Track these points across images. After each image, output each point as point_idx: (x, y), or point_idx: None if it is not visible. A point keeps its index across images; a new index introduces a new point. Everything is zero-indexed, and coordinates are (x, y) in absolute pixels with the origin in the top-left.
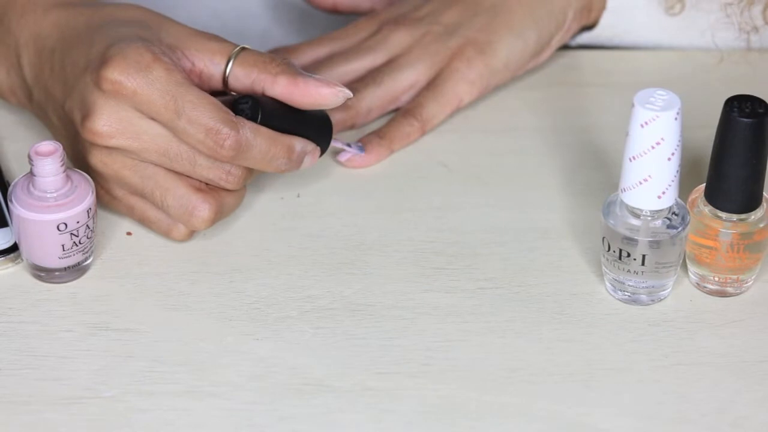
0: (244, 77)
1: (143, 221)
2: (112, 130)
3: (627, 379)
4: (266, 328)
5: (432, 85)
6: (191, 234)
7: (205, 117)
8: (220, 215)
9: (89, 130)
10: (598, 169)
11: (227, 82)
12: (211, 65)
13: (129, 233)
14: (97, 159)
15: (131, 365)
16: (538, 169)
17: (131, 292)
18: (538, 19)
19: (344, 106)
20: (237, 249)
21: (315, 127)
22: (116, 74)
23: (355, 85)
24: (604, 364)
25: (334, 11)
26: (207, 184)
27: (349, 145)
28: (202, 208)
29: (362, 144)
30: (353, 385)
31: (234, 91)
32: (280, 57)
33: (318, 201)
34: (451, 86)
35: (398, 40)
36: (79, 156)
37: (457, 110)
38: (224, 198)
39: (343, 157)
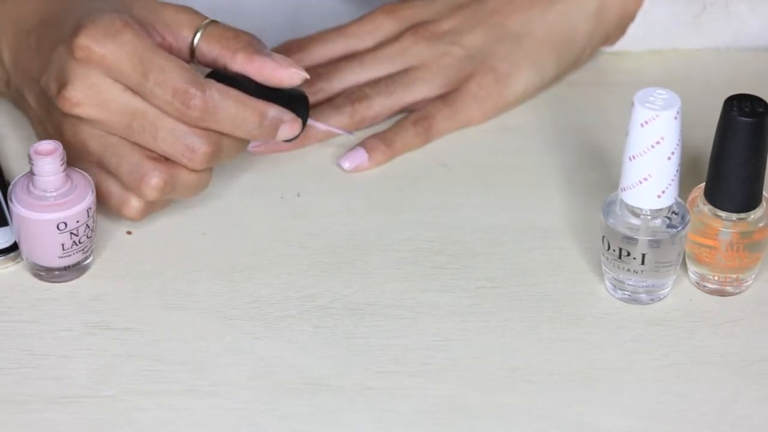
0: (208, 52)
1: (101, 197)
2: (82, 97)
3: (627, 378)
4: (266, 327)
5: (447, 100)
6: (144, 212)
7: (173, 78)
8: (171, 188)
9: (62, 98)
10: (598, 169)
11: (194, 54)
12: (179, 38)
13: (129, 233)
14: (69, 130)
15: (131, 364)
16: (538, 168)
17: (131, 291)
18: (560, 55)
19: (352, 111)
20: (237, 249)
21: (287, 104)
22: (87, 40)
23: (367, 90)
24: (604, 364)
25: None
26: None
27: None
28: (153, 174)
29: (352, 132)
30: (353, 384)
31: (201, 64)
32: (246, 33)
33: (318, 201)
34: (465, 108)
35: (417, 52)
36: (52, 132)
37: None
38: (179, 172)
39: (345, 164)
